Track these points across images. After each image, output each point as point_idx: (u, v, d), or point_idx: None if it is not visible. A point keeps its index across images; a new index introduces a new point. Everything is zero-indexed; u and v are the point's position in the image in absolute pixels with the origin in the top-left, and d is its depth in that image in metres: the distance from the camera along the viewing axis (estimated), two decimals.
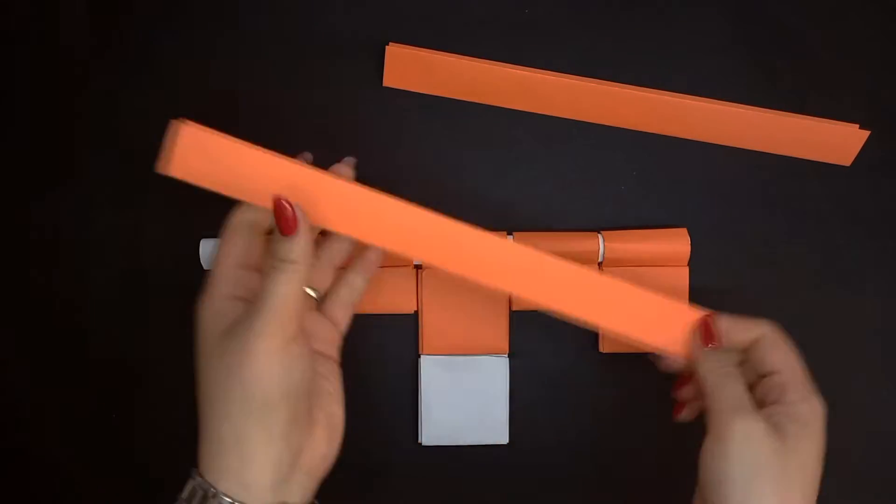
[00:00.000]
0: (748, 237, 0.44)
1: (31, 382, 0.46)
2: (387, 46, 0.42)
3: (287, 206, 0.33)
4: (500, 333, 0.43)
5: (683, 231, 0.43)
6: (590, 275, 0.37)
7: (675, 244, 0.43)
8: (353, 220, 0.35)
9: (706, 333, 0.37)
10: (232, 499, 0.31)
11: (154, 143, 0.44)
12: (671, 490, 0.46)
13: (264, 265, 0.33)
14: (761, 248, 0.44)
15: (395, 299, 0.43)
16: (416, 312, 0.43)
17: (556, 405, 0.45)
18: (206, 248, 0.42)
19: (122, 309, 0.45)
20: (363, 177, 0.44)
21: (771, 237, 0.44)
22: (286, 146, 0.44)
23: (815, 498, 0.35)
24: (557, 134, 0.44)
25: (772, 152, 0.44)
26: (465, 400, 0.43)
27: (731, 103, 0.43)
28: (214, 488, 0.31)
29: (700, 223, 0.44)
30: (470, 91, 0.43)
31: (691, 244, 0.43)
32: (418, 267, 0.43)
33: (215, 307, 0.34)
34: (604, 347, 0.44)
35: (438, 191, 0.44)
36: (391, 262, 0.42)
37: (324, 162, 0.44)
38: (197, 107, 0.44)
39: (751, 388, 0.36)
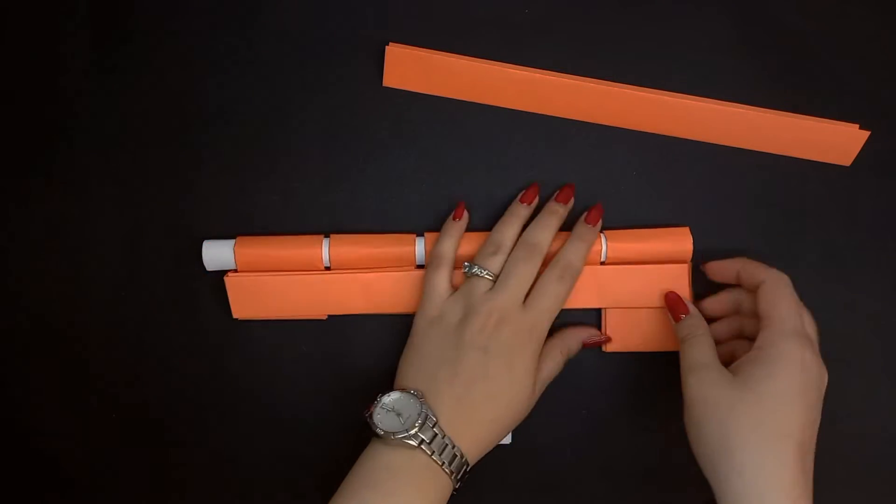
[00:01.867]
0: (748, 237, 0.44)
1: (31, 382, 0.46)
2: (387, 46, 0.42)
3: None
4: None
5: (686, 230, 0.43)
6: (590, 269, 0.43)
7: (678, 243, 0.43)
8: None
9: (671, 309, 0.41)
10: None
11: (154, 143, 0.44)
12: (673, 489, 0.47)
13: None
14: (761, 248, 0.44)
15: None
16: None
17: (558, 405, 0.45)
18: (209, 249, 0.43)
19: (122, 309, 0.45)
20: (363, 177, 0.44)
21: (771, 237, 0.44)
22: (286, 146, 0.44)
23: (805, 436, 0.35)
24: (557, 134, 0.44)
25: (772, 152, 0.44)
26: None
27: (731, 103, 0.43)
28: (434, 416, 0.37)
29: (700, 223, 0.44)
30: (470, 91, 0.43)
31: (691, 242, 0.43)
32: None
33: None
34: (608, 347, 0.44)
35: (439, 191, 0.44)
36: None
37: (324, 161, 0.44)
38: (197, 107, 0.44)
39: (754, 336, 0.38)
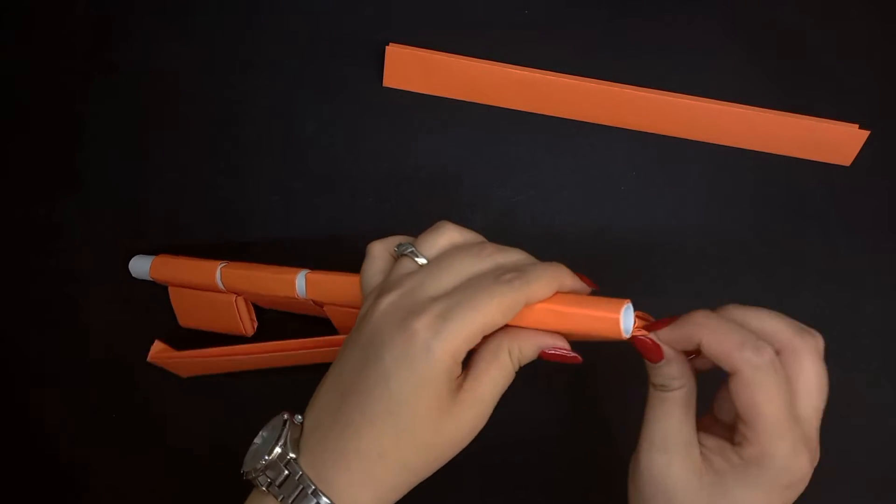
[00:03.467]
0: (748, 237, 0.44)
1: (31, 382, 0.46)
2: (387, 46, 0.42)
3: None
4: None
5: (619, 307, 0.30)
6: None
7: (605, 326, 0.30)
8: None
9: (645, 355, 0.30)
10: None
11: (154, 143, 0.44)
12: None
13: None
14: (761, 248, 0.44)
15: None
16: None
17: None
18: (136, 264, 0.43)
19: (122, 309, 0.45)
20: (363, 176, 0.44)
21: (771, 237, 0.44)
22: (286, 146, 0.44)
23: None
24: (557, 134, 0.44)
25: (772, 152, 0.44)
26: None
27: (730, 103, 0.43)
28: None
29: (700, 223, 0.44)
30: (470, 91, 0.43)
31: (691, 243, 0.43)
32: None
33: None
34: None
35: (439, 191, 0.44)
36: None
37: (324, 161, 0.44)
38: (197, 107, 0.44)
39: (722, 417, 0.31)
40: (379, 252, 0.32)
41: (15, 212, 0.44)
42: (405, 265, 0.31)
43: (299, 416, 0.30)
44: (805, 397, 0.30)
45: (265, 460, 0.28)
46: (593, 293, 0.32)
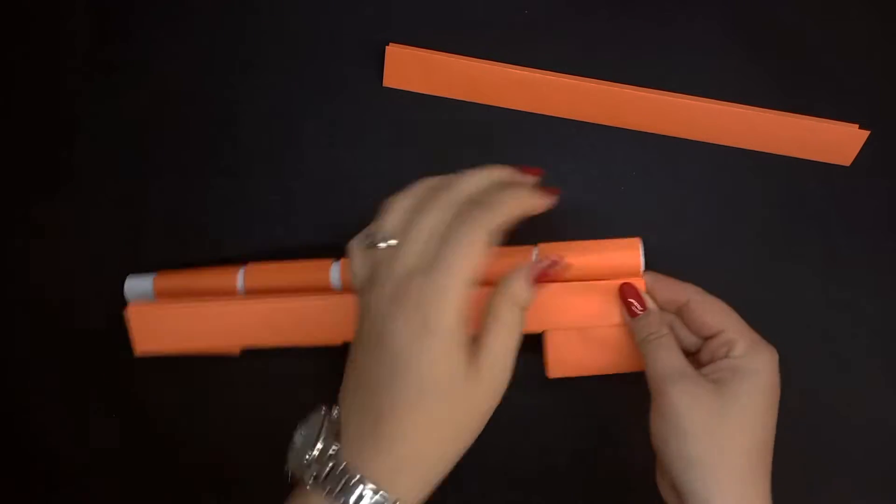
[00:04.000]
0: (748, 237, 0.44)
1: (31, 382, 0.46)
2: (387, 46, 0.42)
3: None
4: None
5: (635, 241, 0.40)
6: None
7: (626, 256, 0.39)
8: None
9: (627, 303, 0.38)
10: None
11: (154, 143, 0.44)
12: None
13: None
14: (761, 248, 0.44)
15: None
16: None
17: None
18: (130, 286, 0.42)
19: (122, 309, 0.45)
20: (363, 176, 0.44)
21: (771, 237, 0.44)
22: (286, 146, 0.44)
23: (765, 449, 0.33)
24: (557, 134, 0.44)
25: (772, 152, 0.44)
26: None
27: (730, 103, 0.43)
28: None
29: (700, 223, 0.44)
30: (470, 91, 0.43)
31: (691, 243, 0.43)
32: None
33: None
34: (552, 372, 0.40)
35: None
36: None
37: (324, 162, 0.44)
38: (197, 107, 0.44)
39: (696, 351, 0.37)
40: (357, 248, 0.33)
41: (15, 212, 0.44)
42: (378, 253, 0.31)
43: (336, 410, 0.30)
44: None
45: (309, 456, 0.28)
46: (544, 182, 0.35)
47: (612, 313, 0.39)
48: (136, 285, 0.43)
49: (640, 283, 0.39)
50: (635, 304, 0.38)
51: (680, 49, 0.43)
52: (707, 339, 0.37)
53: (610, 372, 0.40)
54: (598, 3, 0.43)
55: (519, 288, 0.31)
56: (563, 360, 0.39)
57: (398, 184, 0.44)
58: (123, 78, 0.44)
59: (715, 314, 0.36)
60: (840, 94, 0.43)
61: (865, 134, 0.43)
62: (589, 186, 0.44)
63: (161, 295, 0.42)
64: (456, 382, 0.28)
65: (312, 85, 0.44)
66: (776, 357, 0.35)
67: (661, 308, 0.38)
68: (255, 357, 0.45)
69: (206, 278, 0.42)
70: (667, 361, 0.35)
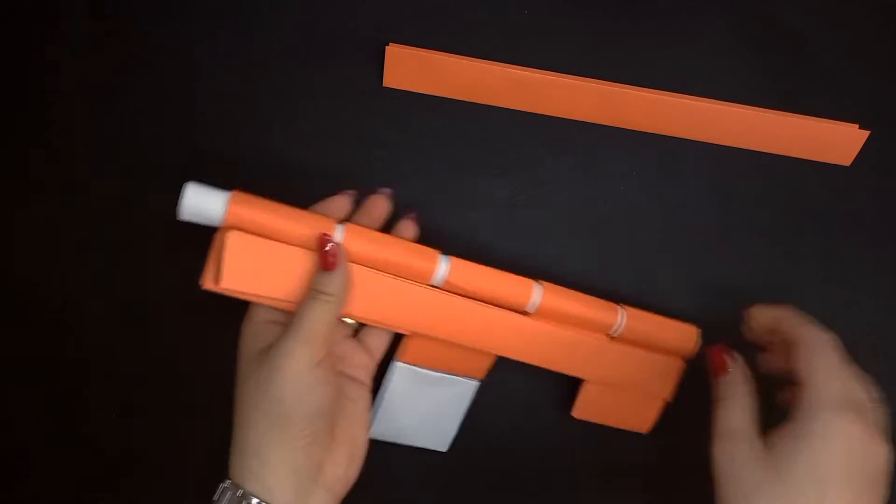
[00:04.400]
0: (748, 237, 0.44)
1: (31, 382, 0.46)
2: (387, 46, 0.42)
3: (331, 243, 0.36)
4: (483, 364, 0.42)
5: (695, 330, 0.42)
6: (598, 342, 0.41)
7: (685, 341, 0.42)
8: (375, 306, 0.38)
9: (715, 367, 0.37)
10: (259, 498, 0.33)
11: (154, 143, 0.44)
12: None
13: (304, 294, 0.36)
14: (761, 248, 0.44)
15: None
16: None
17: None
18: (193, 196, 0.35)
19: (122, 309, 0.45)
20: (363, 176, 0.44)
21: (771, 237, 0.44)
22: (287, 147, 0.44)
23: None
24: (557, 134, 0.44)
25: (772, 152, 0.44)
26: (423, 407, 0.42)
27: (730, 103, 0.43)
28: (242, 488, 0.33)
29: (700, 223, 0.44)
30: (470, 91, 0.43)
31: (691, 243, 0.43)
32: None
33: (255, 329, 0.37)
34: (577, 413, 0.43)
35: (439, 191, 0.44)
36: (408, 276, 0.39)
37: (324, 161, 0.44)
38: (197, 107, 0.44)
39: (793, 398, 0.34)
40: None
41: (15, 212, 0.44)
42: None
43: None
44: (861, 389, 0.33)
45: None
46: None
47: (652, 383, 0.42)
48: (200, 201, 0.36)
49: (674, 375, 0.42)
50: (721, 366, 0.37)
51: (680, 49, 0.43)
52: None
53: (628, 429, 0.43)
54: (598, 3, 0.43)
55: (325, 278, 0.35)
56: (590, 408, 0.43)
57: (398, 184, 0.44)
58: (123, 78, 0.44)
59: (804, 361, 0.34)
60: (840, 94, 0.43)
61: (865, 134, 0.43)
62: (589, 186, 0.44)
63: (234, 222, 0.36)
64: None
65: (312, 85, 0.44)
66: (849, 417, 0.31)
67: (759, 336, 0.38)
68: None
69: (297, 221, 0.37)
70: (726, 421, 0.34)
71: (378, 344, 0.41)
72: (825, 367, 0.33)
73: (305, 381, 0.33)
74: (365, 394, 0.39)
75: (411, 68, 0.43)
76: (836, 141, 0.43)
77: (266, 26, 0.43)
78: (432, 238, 0.43)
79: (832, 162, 0.44)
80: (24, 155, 0.44)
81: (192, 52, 0.43)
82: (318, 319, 0.34)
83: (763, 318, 0.38)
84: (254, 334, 0.36)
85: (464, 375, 0.42)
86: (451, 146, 0.44)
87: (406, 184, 0.44)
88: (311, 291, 0.35)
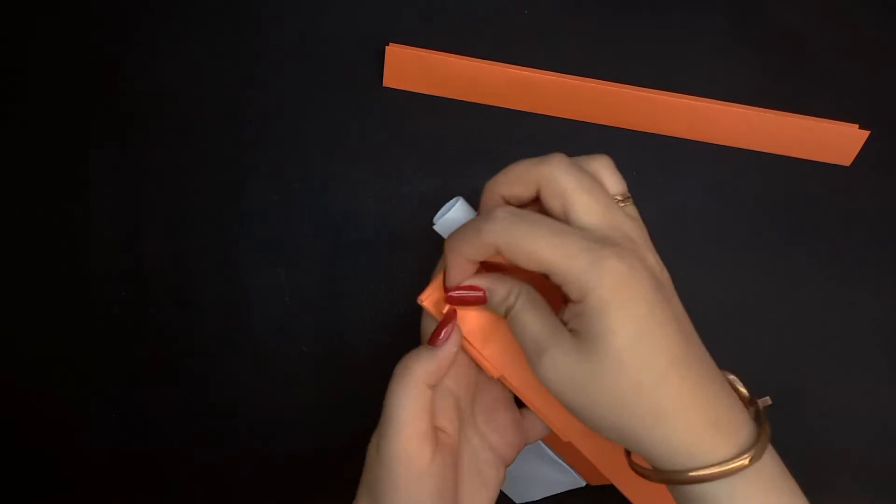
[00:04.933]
0: (748, 237, 0.44)
1: (31, 382, 0.46)
2: (387, 46, 0.42)
3: (448, 327, 0.32)
4: (598, 477, 0.37)
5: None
6: None
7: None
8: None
9: (470, 304, 0.31)
10: None
11: (154, 142, 0.44)
12: None
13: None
14: (761, 247, 0.44)
15: None
16: None
17: None
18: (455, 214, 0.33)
19: (122, 309, 0.45)
20: (362, 176, 0.44)
21: (771, 237, 0.44)
22: (287, 146, 0.44)
23: (679, 350, 0.27)
24: (557, 134, 0.44)
25: (772, 152, 0.44)
26: (528, 471, 0.42)
27: (731, 103, 0.43)
28: None
29: (700, 223, 0.44)
30: (470, 91, 0.43)
31: (691, 243, 0.43)
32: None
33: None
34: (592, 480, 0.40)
35: (438, 191, 0.44)
36: None
37: (324, 162, 0.44)
38: (197, 107, 0.44)
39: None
40: None
41: (15, 211, 0.44)
42: None
43: None
44: (572, 207, 0.28)
45: None
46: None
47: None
48: (460, 218, 0.33)
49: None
50: (472, 298, 0.31)
51: (680, 49, 0.43)
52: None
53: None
54: (598, 2, 0.43)
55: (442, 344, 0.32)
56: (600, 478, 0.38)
57: (398, 184, 0.44)
58: (123, 79, 0.44)
59: (523, 255, 0.27)
60: (840, 94, 0.43)
61: (865, 134, 0.43)
62: None
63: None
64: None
65: (312, 85, 0.44)
66: (613, 259, 0.26)
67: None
68: (254, 353, 0.45)
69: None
70: (525, 334, 0.29)
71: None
72: (537, 243, 0.27)
73: (416, 471, 0.30)
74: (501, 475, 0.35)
75: (411, 68, 0.43)
76: (836, 141, 0.43)
77: (266, 26, 0.43)
78: (432, 237, 0.44)
79: (832, 162, 0.44)
80: (26, 155, 0.44)
81: (192, 53, 0.43)
82: (409, 407, 0.31)
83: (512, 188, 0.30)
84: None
85: (578, 472, 0.41)
86: (451, 146, 0.44)
87: (406, 184, 0.44)
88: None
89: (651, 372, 0.26)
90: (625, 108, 0.43)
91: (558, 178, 0.28)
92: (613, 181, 0.30)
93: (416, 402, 0.31)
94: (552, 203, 0.29)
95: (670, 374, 0.26)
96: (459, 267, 0.30)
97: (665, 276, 0.29)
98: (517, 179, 0.30)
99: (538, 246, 0.27)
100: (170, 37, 0.43)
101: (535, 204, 0.30)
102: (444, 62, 0.42)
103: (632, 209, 0.31)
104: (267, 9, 0.43)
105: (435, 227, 0.33)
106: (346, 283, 0.44)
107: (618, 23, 0.43)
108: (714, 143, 0.44)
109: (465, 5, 0.43)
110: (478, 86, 0.43)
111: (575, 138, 0.44)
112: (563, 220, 0.28)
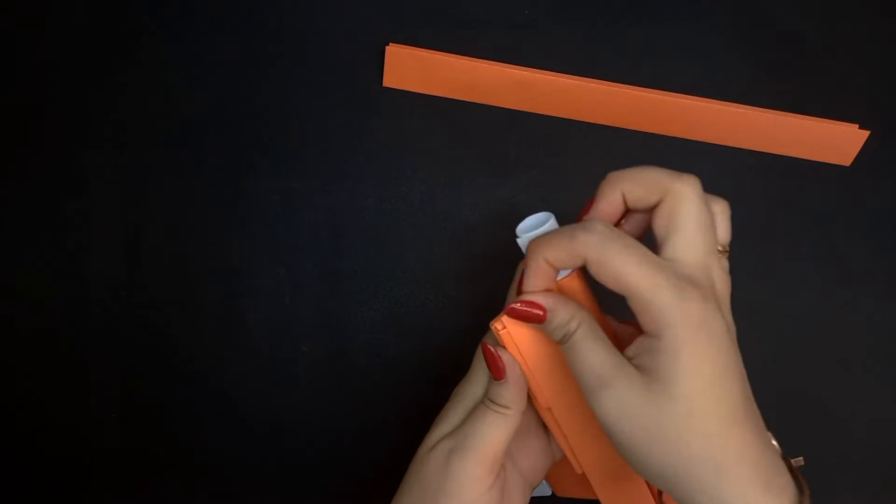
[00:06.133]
0: (748, 237, 0.44)
1: (31, 382, 0.46)
2: (387, 46, 0.42)
3: (493, 353, 0.31)
4: None
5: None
6: None
7: None
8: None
9: (528, 318, 0.30)
10: None
11: (154, 143, 0.44)
12: None
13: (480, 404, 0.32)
14: (761, 248, 0.44)
15: None
16: None
17: None
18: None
19: (122, 309, 0.45)
20: (362, 176, 0.44)
21: (771, 237, 0.44)
22: (287, 146, 0.44)
23: (740, 403, 0.27)
24: (557, 134, 0.44)
25: (772, 152, 0.44)
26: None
27: (731, 103, 0.43)
28: None
29: None
30: (470, 91, 0.43)
31: None
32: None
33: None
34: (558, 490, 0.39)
35: (438, 191, 0.44)
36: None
37: (324, 161, 0.44)
38: (197, 107, 0.44)
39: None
40: None
41: (15, 211, 0.44)
42: None
43: None
44: (691, 237, 0.28)
45: None
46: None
47: None
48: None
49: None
50: (532, 314, 0.29)
51: (680, 49, 0.43)
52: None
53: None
54: (598, 3, 0.43)
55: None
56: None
57: (398, 184, 0.44)
58: (124, 78, 0.44)
59: (610, 273, 0.27)
60: (840, 94, 0.43)
61: (865, 134, 0.43)
62: (589, 186, 0.44)
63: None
64: None
65: (312, 85, 0.44)
66: (698, 307, 0.26)
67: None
68: (254, 353, 0.45)
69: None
70: (585, 365, 0.28)
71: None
72: (634, 264, 0.26)
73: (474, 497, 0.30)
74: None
75: (411, 68, 0.43)
76: (836, 141, 0.43)
77: (266, 26, 0.43)
78: (432, 238, 0.44)
79: (832, 162, 0.44)
80: (26, 155, 0.44)
81: (192, 53, 0.43)
82: (490, 434, 0.30)
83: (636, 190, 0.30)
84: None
85: (547, 480, 0.39)
86: (451, 146, 0.44)
87: (406, 184, 0.44)
88: (485, 401, 0.31)
89: (719, 421, 0.26)
90: (625, 108, 0.43)
91: (684, 199, 0.28)
92: (724, 229, 0.31)
93: (501, 429, 0.31)
94: (661, 219, 0.28)
95: (735, 427, 0.26)
96: (540, 270, 0.29)
97: (734, 332, 0.29)
98: (645, 182, 0.29)
99: (630, 269, 0.26)
100: (169, 37, 0.43)
101: (632, 214, 0.30)
102: (444, 62, 0.42)
103: (726, 263, 0.31)
104: (267, 9, 0.43)
105: (518, 241, 0.31)
106: (346, 284, 0.44)
107: (618, 23, 0.43)
108: (714, 143, 0.44)
109: (465, 5, 0.43)
110: (478, 86, 0.43)
111: (575, 138, 0.44)
112: (660, 240, 0.28)
